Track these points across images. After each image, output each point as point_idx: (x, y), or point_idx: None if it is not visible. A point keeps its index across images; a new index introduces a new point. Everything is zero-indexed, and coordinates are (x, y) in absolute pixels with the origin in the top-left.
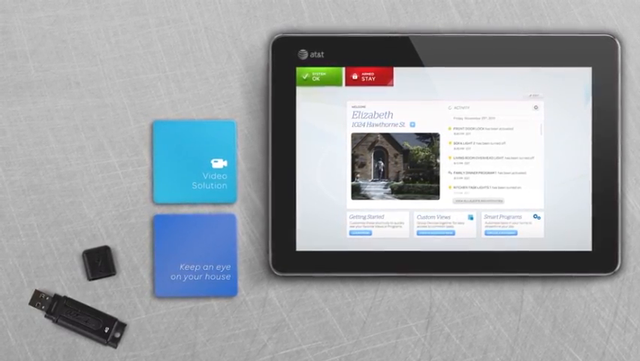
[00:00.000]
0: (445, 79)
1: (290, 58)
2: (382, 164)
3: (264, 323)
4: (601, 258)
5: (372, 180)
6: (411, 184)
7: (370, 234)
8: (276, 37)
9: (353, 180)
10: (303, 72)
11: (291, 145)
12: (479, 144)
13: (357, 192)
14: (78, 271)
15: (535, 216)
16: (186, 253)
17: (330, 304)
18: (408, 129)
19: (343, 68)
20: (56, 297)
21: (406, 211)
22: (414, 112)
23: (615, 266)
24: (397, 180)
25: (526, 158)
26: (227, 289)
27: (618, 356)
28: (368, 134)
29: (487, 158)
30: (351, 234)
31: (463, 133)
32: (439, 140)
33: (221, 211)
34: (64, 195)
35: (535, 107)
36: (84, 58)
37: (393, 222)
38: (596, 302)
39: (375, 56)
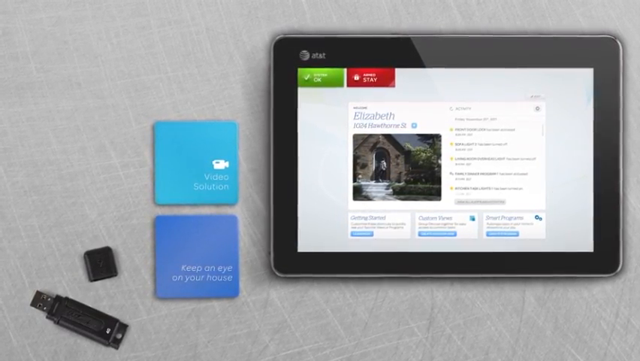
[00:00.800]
0: (446, 80)
1: (291, 59)
2: (384, 165)
3: (265, 323)
4: (602, 259)
5: (374, 181)
6: (412, 185)
7: (372, 235)
8: (277, 38)
9: (354, 181)
10: (304, 73)
11: (293, 146)
12: (481, 145)
13: (358, 193)
14: (79, 272)
15: (536, 217)
16: (188, 254)
17: (331, 305)
18: (409, 130)
19: (345, 69)
20: (58, 298)
21: (408, 212)
22: (415, 113)
23: (617, 267)
24: (399, 181)
25: (528, 159)
26: (229, 290)
27: (620, 357)
28: (369, 135)
29: (488, 159)
30: (352, 235)
31: (464, 134)
32: (440, 141)
33: (222, 212)
34: (65, 196)
35: (537, 108)
36: (85, 59)
37: (395, 223)
38: (598, 303)
39: (376, 56)
